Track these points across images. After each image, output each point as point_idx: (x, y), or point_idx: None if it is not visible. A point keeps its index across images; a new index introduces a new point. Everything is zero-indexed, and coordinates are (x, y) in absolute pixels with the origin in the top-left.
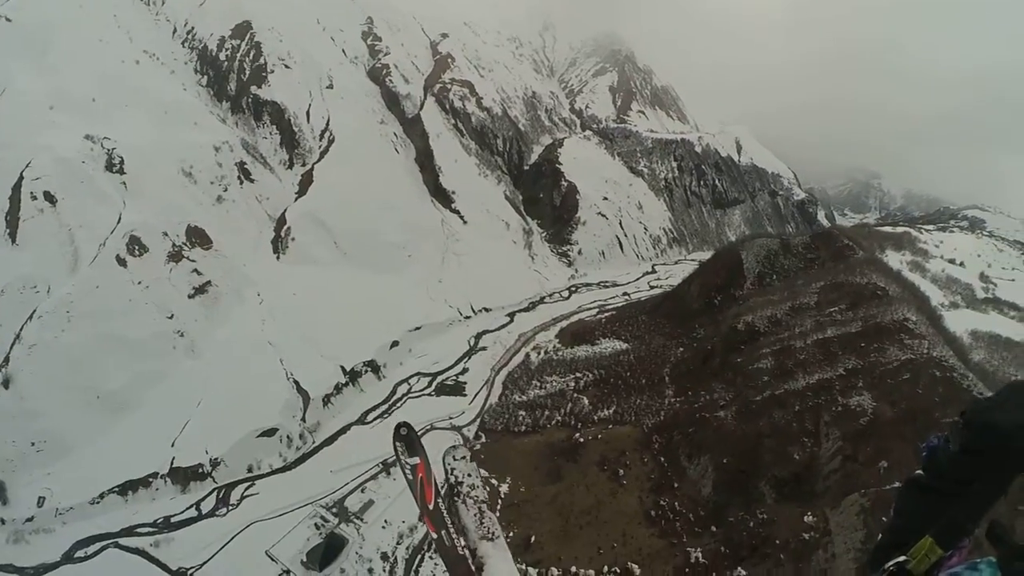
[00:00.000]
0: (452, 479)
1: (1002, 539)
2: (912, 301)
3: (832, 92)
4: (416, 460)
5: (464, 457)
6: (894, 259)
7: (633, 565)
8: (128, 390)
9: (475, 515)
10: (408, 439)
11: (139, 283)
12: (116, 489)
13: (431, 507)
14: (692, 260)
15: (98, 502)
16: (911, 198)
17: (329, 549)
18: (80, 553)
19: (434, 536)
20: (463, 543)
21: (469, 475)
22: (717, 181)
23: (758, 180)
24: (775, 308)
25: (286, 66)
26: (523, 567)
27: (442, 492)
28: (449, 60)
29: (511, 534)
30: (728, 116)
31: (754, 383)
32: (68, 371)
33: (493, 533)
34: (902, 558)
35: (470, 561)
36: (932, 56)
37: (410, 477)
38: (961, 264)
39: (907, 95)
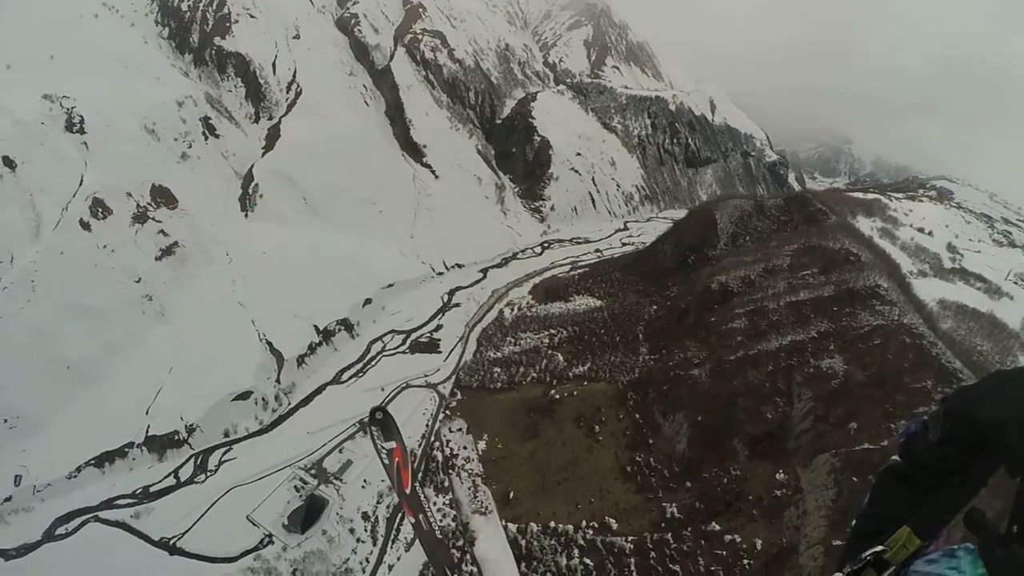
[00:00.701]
0: (447, 451)
1: (981, 526)
2: (883, 268)
3: (806, 74)
4: (392, 444)
5: (460, 429)
6: (865, 225)
7: (610, 519)
8: (98, 359)
9: (469, 488)
10: (384, 423)
11: (104, 247)
12: (92, 462)
13: (408, 491)
14: (664, 218)
15: (75, 476)
16: (880, 165)
17: (310, 511)
18: (61, 530)
19: (412, 521)
20: (447, 522)
21: (464, 447)
22: (690, 140)
23: (731, 140)
24: (748, 269)
25: (251, 15)
26: (503, 522)
27: (412, 459)
28: (420, 10)
29: (489, 490)
30: (703, 73)
31: (728, 343)
32: (36, 343)
33: (487, 507)
34: (879, 548)
35: (464, 541)
36: (908, 38)
37: (387, 462)
38: (930, 233)
39: (880, 79)
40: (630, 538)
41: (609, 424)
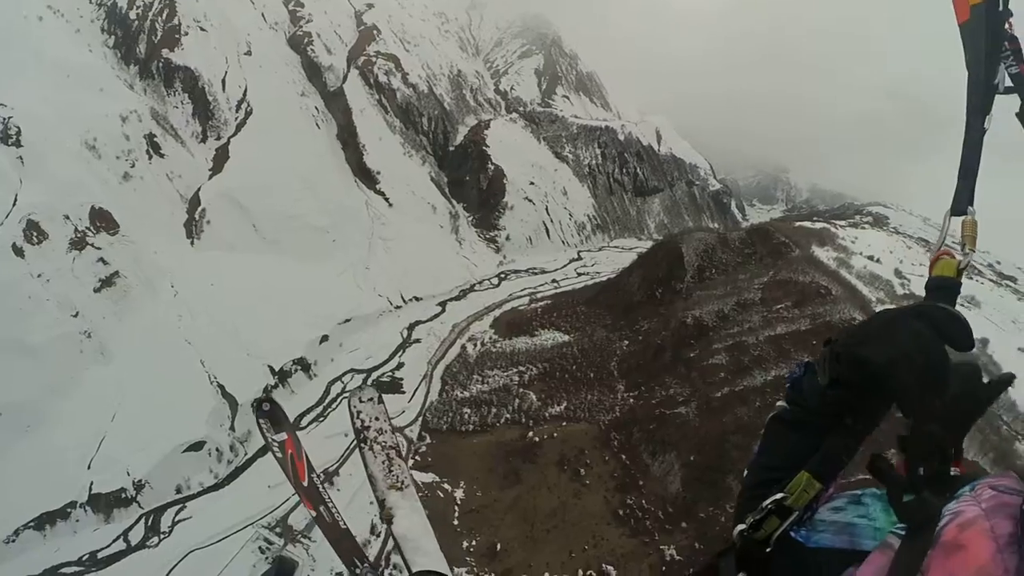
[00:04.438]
0: (358, 424)
1: (886, 474)
2: (855, 300)
3: (753, 85)
4: (284, 436)
5: (371, 399)
6: (822, 255)
7: (608, 567)
8: (33, 404)
9: (383, 463)
10: (272, 415)
11: (39, 276)
12: (32, 524)
13: (305, 484)
14: (616, 247)
15: (13, 540)
16: (816, 192)
17: (280, 575)
18: None
19: (312, 514)
20: (343, 518)
21: (376, 419)
22: (638, 169)
23: (676, 170)
24: (720, 303)
25: (201, 28)
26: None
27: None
28: (375, 32)
29: (474, 542)
30: (649, 105)
31: (711, 379)
32: None
33: (403, 482)
34: (780, 495)
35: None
36: (857, 61)
37: (279, 455)
38: (878, 261)
39: (828, 95)
40: None
41: (595, 467)
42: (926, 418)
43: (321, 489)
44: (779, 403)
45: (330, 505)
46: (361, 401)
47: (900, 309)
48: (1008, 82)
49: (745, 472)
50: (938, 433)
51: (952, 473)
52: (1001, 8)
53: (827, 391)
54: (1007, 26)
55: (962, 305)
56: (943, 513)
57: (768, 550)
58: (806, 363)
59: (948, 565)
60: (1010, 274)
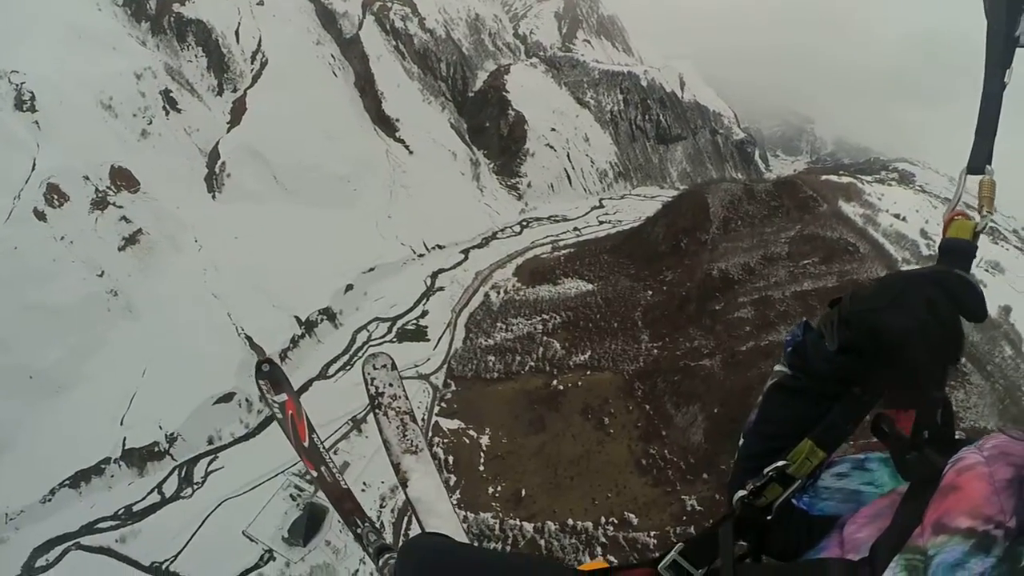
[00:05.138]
0: (372, 390)
1: (890, 433)
2: (882, 260)
3: (778, 39)
4: (284, 397)
5: (385, 366)
6: (848, 211)
7: (630, 515)
8: (64, 365)
9: (398, 427)
10: (272, 376)
11: (62, 239)
12: (67, 482)
13: (306, 444)
14: (638, 195)
15: (50, 499)
16: (841, 145)
17: (311, 521)
18: (41, 562)
19: (314, 474)
20: (343, 478)
21: (391, 384)
22: (661, 116)
23: (700, 117)
24: (747, 256)
25: None
26: (517, 523)
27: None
28: None
29: (499, 488)
30: (672, 51)
31: (736, 333)
32: None
33: (417, 446)
34: (782, 463)
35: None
36: (882, 14)
37: (280, 416)
38: (904, 219)
39: (854, 50)
40: (652, 533)
41: (619, 416)
42: (935, 386)
43: (322, 450)
44: (777, 368)
45: (331, 465)
46: (375, 368)
47: (912, 273)
48: None
49: (741, 439)
50: (943, 398)
51: (957, 436)
52: None
53: (835, 357)
54: None
55: (985, 271)
56: (947, 465)
57: (769, 518)
58: (805, 324)
59: (943, 504)
60: None
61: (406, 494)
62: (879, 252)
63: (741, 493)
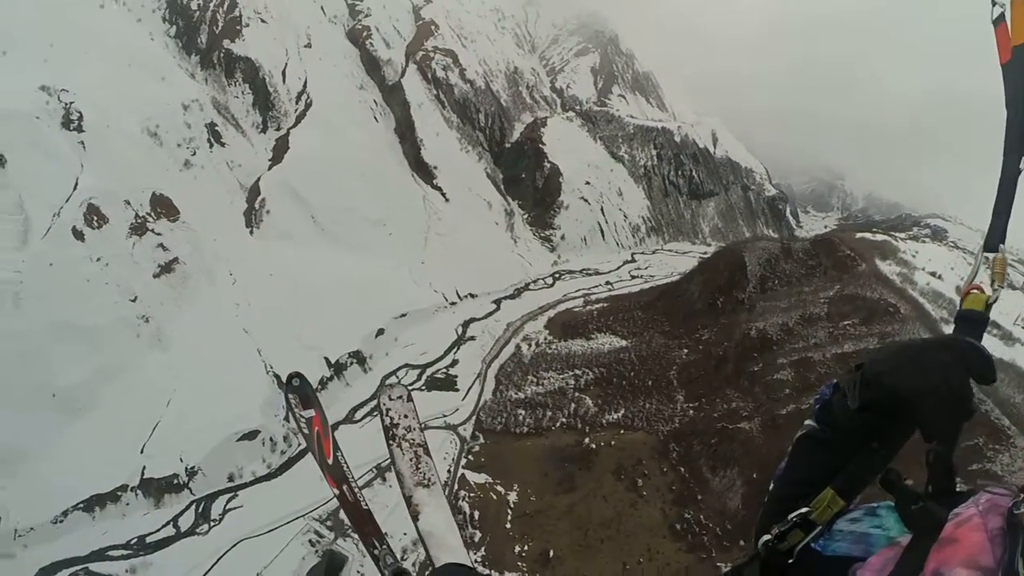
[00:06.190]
0: (387, 421)
1: (896, 485)
2: (922, 320)
3: (798, 103)
4: (312, 413)
5: (400, 397)
6: (886, 270)
7: None
8: (88, 387)
9: (411, 460)
10: (301, 391)
11: (98, 260)
12: (81, 505)
13: (330, 461)
14: (669, 251)
15: (61, 521)
16: (872, 201)
17: (329, 569)
18: None
19: (336, 492)
20: (364, 498)
21: (405, 416)
22: (694, 172)
23: (732, 173)
24: (785, 316)
25: (262, 20)
26: None
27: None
28: (432, 27)
29: (526, 547)
30: (704, 109)
31: (776, 395)
32: (18, 366)
33: (430, 479)
34: (805, 509)
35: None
36: (896, 73)
37: (306, 431)
38: (940, 277)
39: (870, 110)
40: None
41: (652, 477)
42: (946, 442)
43: (345, 469)
44: (807, 422)
45: (353, 484)
46: (390, 399)
47: (928, 340)
48: None
49: (771, 484)
50: (949, 453)
51: (959, 489)
52: None
53: (856, 414)
54: None
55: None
56: (948, 518)
57: (790, 561)
58: (834, 385)
59: (942, 555)
60: None
61: (417, 528)
62: (919, 312)
63: (766, 537)
